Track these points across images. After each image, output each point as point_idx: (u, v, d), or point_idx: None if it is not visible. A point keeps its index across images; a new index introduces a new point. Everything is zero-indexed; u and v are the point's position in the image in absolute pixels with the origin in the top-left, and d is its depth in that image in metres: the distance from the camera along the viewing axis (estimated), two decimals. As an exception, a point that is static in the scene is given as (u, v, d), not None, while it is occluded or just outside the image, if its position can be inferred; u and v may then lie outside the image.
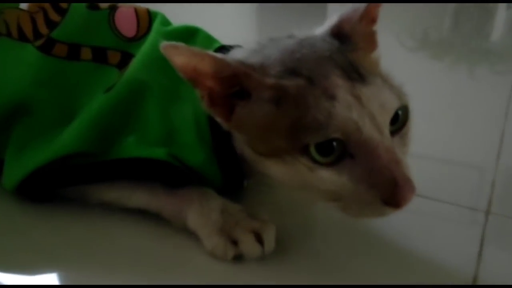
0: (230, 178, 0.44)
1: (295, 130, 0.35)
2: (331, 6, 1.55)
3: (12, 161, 0.46)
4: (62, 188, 0.46)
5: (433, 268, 0.41)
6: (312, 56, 0.37)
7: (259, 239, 0.40)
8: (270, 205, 0.46)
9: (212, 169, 0.43)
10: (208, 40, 0.47)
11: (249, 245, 0.40)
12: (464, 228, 0.47)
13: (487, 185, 0.52)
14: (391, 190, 0.33)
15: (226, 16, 1.57)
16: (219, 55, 0.37)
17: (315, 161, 0.35)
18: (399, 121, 0.37)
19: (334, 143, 0.34)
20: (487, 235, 0.44)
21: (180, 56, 0.36)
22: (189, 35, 0.47)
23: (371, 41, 0.41)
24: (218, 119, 0.39)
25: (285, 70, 0.36)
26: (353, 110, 0.34)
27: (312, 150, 0.34)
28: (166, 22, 0.49)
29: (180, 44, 0.35)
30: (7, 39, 0.47)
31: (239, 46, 0.45)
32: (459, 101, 0.74)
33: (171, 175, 0.44)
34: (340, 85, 0.35)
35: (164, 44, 0.35)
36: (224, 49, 0.45)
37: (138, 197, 0.44)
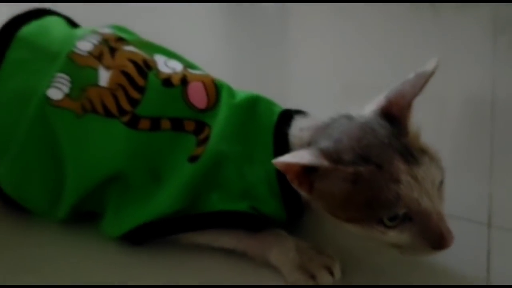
0: (294, 217, 0.56)
1: (370, 206, 0.47)
2: (292, 6, 1.61)
3: (113, 216, 0.56)
4: (160, 237, 0.56)
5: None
6: (375, 142, 0.48)
7: (330, 271, 0.53)
8: (327, 235, 0.58)
9: (281, 214, 0.55)
10: (270, 107, 0.57)
11: (324, 279, 0.53)
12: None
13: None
14: (439, 241, 0.47)
15: (193, 16, 1.60)
16: (311, 156, 0.47)
17: (386, 226, 0.47)
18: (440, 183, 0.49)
19: (400, 213, 0.47)
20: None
21: (285, 166, 0.47)
22: (253, 105, 0.57)
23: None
24: (302, 193, 0.50)
25: (358, 157, 0.47)
26: (414, 190, 0.46)
27: (386, 221, 0.47)
28: (231, 93, 0.58)
29: (286, 159, 0.46)
30: (94, 115, 0.55)
31: (299, 112, 0.56)
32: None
33: (251, 222, 0.55)
34: (402, 169, 0.46)
35: (276, 162, 0.46)
36: (286, 114, 0.56)
37: (226, 240, 0.56)
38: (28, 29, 0.59)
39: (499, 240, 0.60)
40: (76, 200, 0.56)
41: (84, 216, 0.59)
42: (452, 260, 0.55)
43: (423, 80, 0.49)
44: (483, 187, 0.69)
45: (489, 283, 0.54)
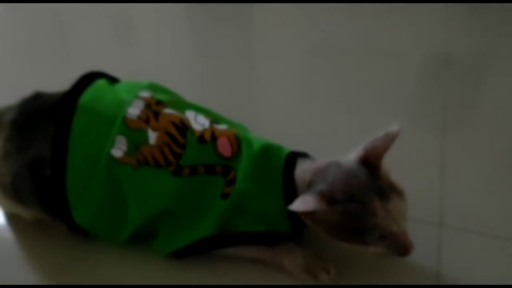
0: (299, 233, 0.77)
1: (356, 232, 0.67)
2: (257, 6, 1.73)
3: (163, 239, 0.76)
4: (202, 253, 0.76)
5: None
6: (358, 185, 0.67)
7: (328, 271, 0.74)
8: (324, 246, 0.79)
9: (289, 231, 0.76)
10: (279, 152, 0.76)
11: (324, 277, 0.74)
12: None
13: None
14: (404, 251, 0.67)
15: (159, 15, 1.73)
16: (314, 203, 0.65)
17: (367, 244, 0.68)
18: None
19: (377, 236, 0.67)
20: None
21: (299, 210, 0.66)
22: (266, 152, 0.75)
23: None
24: (308, 223, 0.70)
25: (346, 196, 0.67)
26: (386, 219, 0.66)
27: (367, 241, 0.67)
28: (249, 143, 0.76)
29: (297, 208, 0.65)
30: (147, 167, 0.73)
31: (302, 155, 0.75)
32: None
33: (269, 239, 0.76)
34: (377, 205, 0.66)
35: (291, 208, 0.65)
36: (292, 157, 0.75)
37: (251, 252, 0.76)
38: (86, 97, 0.76)
39: (449, 239, 0.81)
40: (136, 228, 0.75)
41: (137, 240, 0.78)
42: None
43: (390, 139, 0.68)
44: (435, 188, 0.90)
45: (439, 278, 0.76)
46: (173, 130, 0.74)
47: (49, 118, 0.76)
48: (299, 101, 1.22)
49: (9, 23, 1.75)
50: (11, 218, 0.86)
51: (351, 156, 0.72)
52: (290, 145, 0.80)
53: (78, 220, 0.75)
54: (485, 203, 0.88)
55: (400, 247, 0.67)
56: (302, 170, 0.73)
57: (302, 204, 0.66)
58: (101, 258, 0.79)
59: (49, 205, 0.76)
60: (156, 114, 0.76)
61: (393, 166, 0.71)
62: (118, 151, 0.73)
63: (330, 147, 0.82)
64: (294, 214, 0.70)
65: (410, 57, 1.38)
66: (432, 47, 1.44)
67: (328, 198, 0.67)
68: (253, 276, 0.76)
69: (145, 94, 0.79)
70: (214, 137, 0.76)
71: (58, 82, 0.87)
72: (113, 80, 0.85)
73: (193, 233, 0.74)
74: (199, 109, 0.82)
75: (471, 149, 1.01)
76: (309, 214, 0.68)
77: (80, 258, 0.80)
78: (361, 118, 1.13)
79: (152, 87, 0.82)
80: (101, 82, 0.81)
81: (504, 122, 1.09)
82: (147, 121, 0.75)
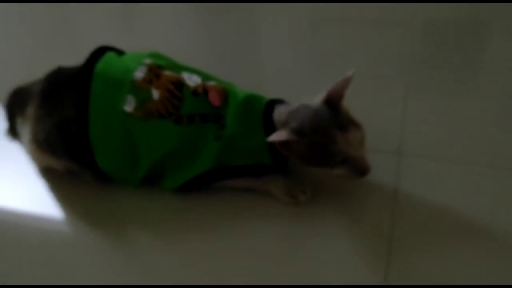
0: (282, 165, 0.94)
1: (323, 158, 0.84)
2: (258, 6, 1.83)
3: (170, 176, 0.93)
4: (204, 185, 0.94)
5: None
6: (322, 121, 0.84)
7: (305, 193, 0.92)
8: (301, 174, 0.96)
9: (271, 162, 0.93)
10: (259, 100, 0.93)
11: (302, 198, 0.91)
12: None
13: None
14: (362, 172, 0.84)
15: (166, 16, 1.81)
16: (287, 135, 0.83)
17: (332, 167, 0.85)
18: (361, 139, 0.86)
19: (339, 159, 0.84)
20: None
21: (273, 141, 0.83)
22: (249, 100, 0.92)
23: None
24: (284, 153, 0.87)
25: (313, 130, 0.84)
26: (346, 147, 0.83)
27: (331, 164, 0.84)
28: (235, 94, 0.93)
29: (274, 138, 0.82)
30: (153, 118, 0.91)
31: (279, 102, 0.92)
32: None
33: (257, 170, 0.93)
34: (338, 135, 0.83)
35: (269, 139, 0.82)
36: (271, 103, 0.92)
37: (243, 182, 0.94)
38: (100, 66, 0.93)
39: (408, 166, 0.98)
40: (147, 169, 0.93)
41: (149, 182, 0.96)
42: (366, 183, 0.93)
43: (346, 82, 0.85)
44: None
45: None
46: (171, 87, 0.91)
47: (71, 86, 0.93)
48: (302, 74, 1.36)
49: (18, 19, 1.88)
50: (45, 172, 1.04)
51: (317, 99, 0.88)
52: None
53: (100, 165, 0.93)
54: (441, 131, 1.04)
55: (359, 168, 0.84)
56: (279, 112, 0.90)
57: (277, 136, 0.83)
58: (120, 199, 0.97)
59: (77, 155, 0.93)
60: (157, 76, 0.93)
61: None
62: (129, 107, 0.90)
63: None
64: (274, 148, 0.87)
65: (410, 24, 1.51)
66: (431, 13, 1.57)
67: (298, 132, 0.84)
68: (246, 203, 0.93)
69: (148, 61, 0.96)
70: (205, 90, 0.93)
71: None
72: (120, 52, 1.02)
73: (193, 169, 0.92)
74: (193, 71, 0.98)
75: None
76: (284, 145, 0.85)
77: (104, 200, 0.97)
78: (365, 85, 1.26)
79: (153, 55, 0.99)
80: (111, 54, 0.98)
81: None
82: (150, 81, 0.92)
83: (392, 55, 1.38)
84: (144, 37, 1.66)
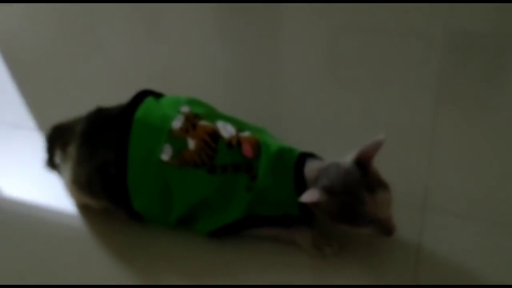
0: (310, 218, 0.97)
1: (351, 217, 0.86)
2: (284, 6, 1.83)
3: (203, 222, 0.97)
4: (236, 232, 0.98)
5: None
6: (352, 181, 0.86)
7: (331, 246, 0.94)
8: (328, 227, 0.99)
9: (300, 216, 0.96)
10: (291, 153, 0.96)
11: (328, 251, 0.94)
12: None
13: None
14: (388, 233, 0.87)
15: (187, 16, 1.81)
16: (318, 195, 0.85)
17: (359, 226, 0.87)
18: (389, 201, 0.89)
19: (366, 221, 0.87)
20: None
21: (307, 201, 0.86)
22: (281, 154, 0.95)
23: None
24: (313, 210, 0.90)
25: (343, 190, 0.86)
26: (374, 208, 0.85)
27: (359, 224, 0.87)
28: (268, 146, 0.96)
29: (306, 199, 0.85)
30: (188, 167, 0.95)
31: (310, 155, 0.95)
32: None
33: (285, 221, 0.96)
34: (366, 197, 0.85)
35: (302, 199, 0.85)
36: (302, 156, 0.95)
37: (271, 232, 0.97)
38: (140, 113, 0.98)
39: (432, 219, 1.00)
40: (180, 215, 0.97)
41: (182, 224, 1.00)
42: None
43: (378, 145, 0.87)
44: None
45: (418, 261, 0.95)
46: (207, 138, 0.95)
47: (111, 129, 0.98)
48: (322, 82, 1.37)
49: (47, 21, 1.92)
50: (82, 208, 1.09)
51: (348, 157, 0.91)
52: (318, 126, 1.07)
53: (136, 207, 0.97)
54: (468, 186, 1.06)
55: (385, 229, 0.86)
56: (310, 168, 0.93)
57: (309, 196, 0.86)
58: (154, 238, 1.01)
59: (114, 197, 0.98)
60: (194, 126, 0.97)
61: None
62: (165, 156, 0.94)
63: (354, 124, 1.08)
64: (303, 203, 0.90)
65: (432, 36, 1.50)
66: (453, 26, 1.55)
67: (329, 191, 0.87)
68: (273, 251, 0.97)
69: (185, 109, 1.00)
70: (239, 142, 0.96)
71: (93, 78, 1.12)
72: (158, 95, 1.07)
73: (224, 217, 0.95)
74: (227, 119, 1.02)
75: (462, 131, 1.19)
76: (315, 203, 0.88)
77: (137, 238, 1.02)
78: (386, 97, 1.30)
79: (190, 102, 1.03)
80: (150, 100, 1.02)
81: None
82: (187, 131, 0.96)
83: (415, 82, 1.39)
84: (166, 38, 1.68)
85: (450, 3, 1.69)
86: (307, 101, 1.38)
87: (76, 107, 1.09)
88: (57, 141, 1.09)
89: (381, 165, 0.90)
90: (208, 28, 1.75)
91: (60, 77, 1.56)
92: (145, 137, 0.96)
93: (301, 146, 1.00)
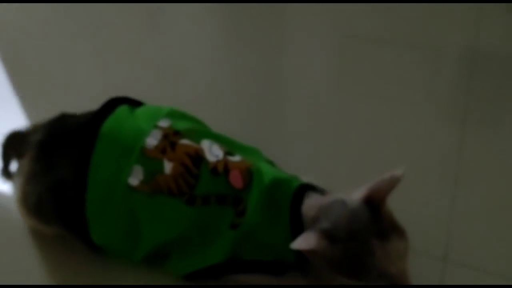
0: (305, 263, 0.79)
1: (355, 270, 0.69)
2: (289, 6, 1.72)
3: (177, 261, 0.80)
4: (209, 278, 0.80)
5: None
6: (359, 226, 0.69)
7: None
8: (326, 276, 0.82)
9: (294, 261, 0.79)
10: (288, 185, 0.79)
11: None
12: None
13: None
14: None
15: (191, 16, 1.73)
16: (315, 242, 0.68)
17: (366, 281, 0.70)
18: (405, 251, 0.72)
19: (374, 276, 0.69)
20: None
21: (301, 248, 0.69)
22: (276, 186, 0.78)
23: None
24: (310, 259, 0.73)
25: (347, 235, 0.69)
26: (384, 261, 0.69)
27: (365, 279, 0.70)
28: (260, 176, 0.79)
29: (299, 246, 0.68)
30: (161, 195, 0.77)
31: (310, 188, 0.78)
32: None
33: (276, 268, 0.79)
34: (376, 246, 0.69)
35: (293, 246, 0.68)
36: (301, 189, 0.78)
37: (258, 279, 0.80)
38: (107, 126, 0.80)
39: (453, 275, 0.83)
40: (148, 251, 0.79)
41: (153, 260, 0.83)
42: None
43: (394, 182, 0.70)
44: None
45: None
46: (188, 162, 0.78)
47: (73, 143, 0.80)
48: (330, 97, 1.24)
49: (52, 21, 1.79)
50: (34, 230, 0.91)
51: (356, 194, 0.74)
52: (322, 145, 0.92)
53: (96, 239, 0.79)
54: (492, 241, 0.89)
55: (398, 285, 0.69)
56: (309, 206, 0.76)
57: (304, 242, 0.69)
58: (117, 274, 0.84)
59: (69, 225, 0.80)
60: (173, 145, 0.79)
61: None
62: (134, 180, 0.77)
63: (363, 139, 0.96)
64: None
65: (443, 52, 1.37)
66: (466, 43, 1.42)
67: (329, 236, 0.70)
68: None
69: (164, 123, 0.82)
70: (227, 169, 0.79)
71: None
72: (135, 103, 0.89)
73: (203, 259, 0.78)
74: (214, 137, 0.85)
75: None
76: (311, 251, 0.71)
77: (97, 273, 0.84)
78: (394, 112, 1.16)
79: (172, 114, 0.85)
80: (122, 109, 0.84)
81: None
82: (163, 151, 0.78)
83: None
84: (169, 37, 1.57)
85: (466, 16, 1.56)
86: (312, 116, 1.22)
87: (71, 107, 0.91)
88: (13, 149, 0.90)
89: (395, 204, 0.74)
90: (212, 32, 1.65)
91: (58, 76, 1.42)
92: (112, 155, 0.78)
93: (302, 169, 0.87)
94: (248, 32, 1.61)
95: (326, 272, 0.74)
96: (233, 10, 1.76)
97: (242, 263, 0.78)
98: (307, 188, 0.79)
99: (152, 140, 0.79)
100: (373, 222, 0.70)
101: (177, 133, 0.81)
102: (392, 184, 0.70)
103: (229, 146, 0.85)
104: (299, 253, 0.75)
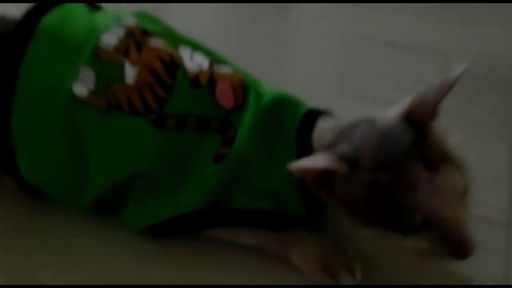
0: (316, 215, 0.57)
1: (388, 213, 0.47)
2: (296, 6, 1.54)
3: (135, 209, 0.57)
4: (184, 232, 0.58)
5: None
6: (395, 149, 0.48)
7: (351, 271, 0.55)
8: (349, 234, 0.59)
9: (302, 212, 0.56)
10: (294, 108, 0.57)
11: (346, 279, 0.54)
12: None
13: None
14: (460, 251, 0.48)
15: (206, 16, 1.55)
16: (327, 161, 0.47)
17: (404, 233, 0.48)
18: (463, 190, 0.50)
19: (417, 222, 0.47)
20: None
21: (302, 171, 0.47)
22: (278, 107, 0.56)
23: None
24: (323, 198, 0.51)
25: (377, 163, 0.47)
26: (433, 198, 0.47)
27: (404, 228, 0.48)
28: (258, 93, 0.57)
29: (301, 164, 0.47)
30: (119, 112, 0.55)
31: (324, 112, 0.56)
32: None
33: (274, 221, 0.57)
34: (421, 177, 0.47)
35: (293, 167, 0.47)
36: (310, 115, 0.56)
37: (249, 238, 0.57)
38: (49, 20, 0.58)
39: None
40: (100, 194, 0.57)
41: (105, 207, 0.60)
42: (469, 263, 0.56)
43: (447, 86, 0.49)
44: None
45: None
46: (158, 67, 0.56)
47: (3, 45, 0.57)
48: (337, 96, 1.04)
49: None
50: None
51: (392, 112, 0.52)
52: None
53: (24, 172, 0.57)
54: None
55: (454, 243, 0.47)
56: (322, 130, 0.54)
57: (311, 161, 0.48)
58: (58, 227, 0.61)
59: None
60: (139, 46, 0.57)
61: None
62: (82, 88, 0.55)
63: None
64: (308, 190, 0.51)
65: (458, 57, 1.18)
66: (482, 50, 1.22)
67: (351, 162, 0.48)
68: (248, 270, 0.57)
69: (130, 21, 0.60)
70: (212, 81, 0.57)
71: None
72: (95, 7, 0.66)
73: (174, 205, 0.56)
74: (198, 47, 0.62)
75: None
76: (323, 183, 0.49)
77: (33, 227, 0.62)
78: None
79: (142, 15, 0.63)
80: (77, 5, 0.62)
81: None
82: (125, 52, 0.56)
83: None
84: None
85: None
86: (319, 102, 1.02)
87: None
88: None
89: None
90: (213, 32, 1.46)
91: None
92: (51, 57, 0.56)
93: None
94: (251, 33, 1.42)
95: (344, 223, 0.52)
96: (238, 10, 1.58)
97: (228, 213, 0.56)
98: (320, 113, 0.57)
99: (111, 38, 0.57)
100: (416, 146, 0.48)
101: (146, 33, 0.59)
102: (443, 90, 0.49)
103: (217, 60, 0.63)
104: (309, 199, 0.53)
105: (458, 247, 0.48)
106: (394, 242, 0.49)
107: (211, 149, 0.55)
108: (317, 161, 0.48)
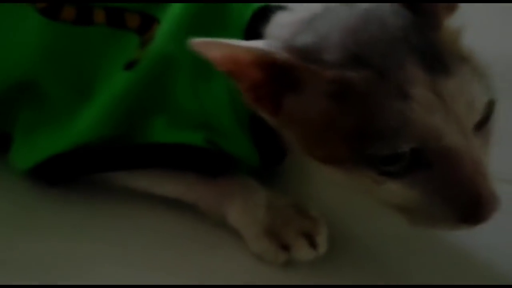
0: (270, 159, 0.40)
1: (359, 135, 0.29)
2: None
3: (24, 142, 0.41)
4: (82, 174, 0.41)
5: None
6: (381, 37, 0.30)
7: (312, 242, 0.36)
8: (314, 184, 0.41)
9: (251, 154, 0.39)
10: (248, 5, 0.40)
11: (301, 251, 0.36)
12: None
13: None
14: (472, 207, 0.29)
15: None
16: (260, 45, 0.30)
17: (382, 172, 0.30)
18: (483, 115, 0.31)
19: (406, 151, 0.29)
20: None
21: (214, 51, 0.30)
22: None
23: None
24: (264, 115, 0.33)
25: (348, 56, 0.30)
26: (434, 113, 0.28)
27: (382, 162, 0.29)
28: None
29: (213, 40, 0.29)
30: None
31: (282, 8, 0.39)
32: None
33: (207, 163, 0.39)
34: (417, 78, 0.29)
35: (194, 42, 0.29)
36: (266, 10, 0.38)
37: (171, 186, 0.40)
38: None
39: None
40: None
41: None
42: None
43: None
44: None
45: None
46: None
47: None
48: None
49: None
50: None
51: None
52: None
53: None
54: None
55: (465, 193, 0.29)
56: (279, 24, 0.36)
57: (234, 41, 0.31)
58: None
59: None
60: None
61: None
62: None
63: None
64: (261, 120, 0.34)
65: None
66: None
67: (307, 55, 0.30)
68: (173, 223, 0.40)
69: None
70: None
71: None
72: None
73: (70, 132, 0.39)
74: None
75: None
76: (266, 93, 0.32)
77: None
78: None
79: None
80: None
81: None
82: None
83: None
84: None
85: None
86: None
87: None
88: None
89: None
90: None
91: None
92: None
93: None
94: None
95: (302, 161, 0.34)
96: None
97: (142, 147, 0.39)
98: (280, 8, 0.39)
99: None
100: (416, 33, 0.30)
101: None
102: None
103: None
104: (259, 133, 0.36)
105: (470, 199, 0.29)
106: (370, 188, 0.31)
107: (124, 54, 0.39)
108: (249, 43, 0.31)
